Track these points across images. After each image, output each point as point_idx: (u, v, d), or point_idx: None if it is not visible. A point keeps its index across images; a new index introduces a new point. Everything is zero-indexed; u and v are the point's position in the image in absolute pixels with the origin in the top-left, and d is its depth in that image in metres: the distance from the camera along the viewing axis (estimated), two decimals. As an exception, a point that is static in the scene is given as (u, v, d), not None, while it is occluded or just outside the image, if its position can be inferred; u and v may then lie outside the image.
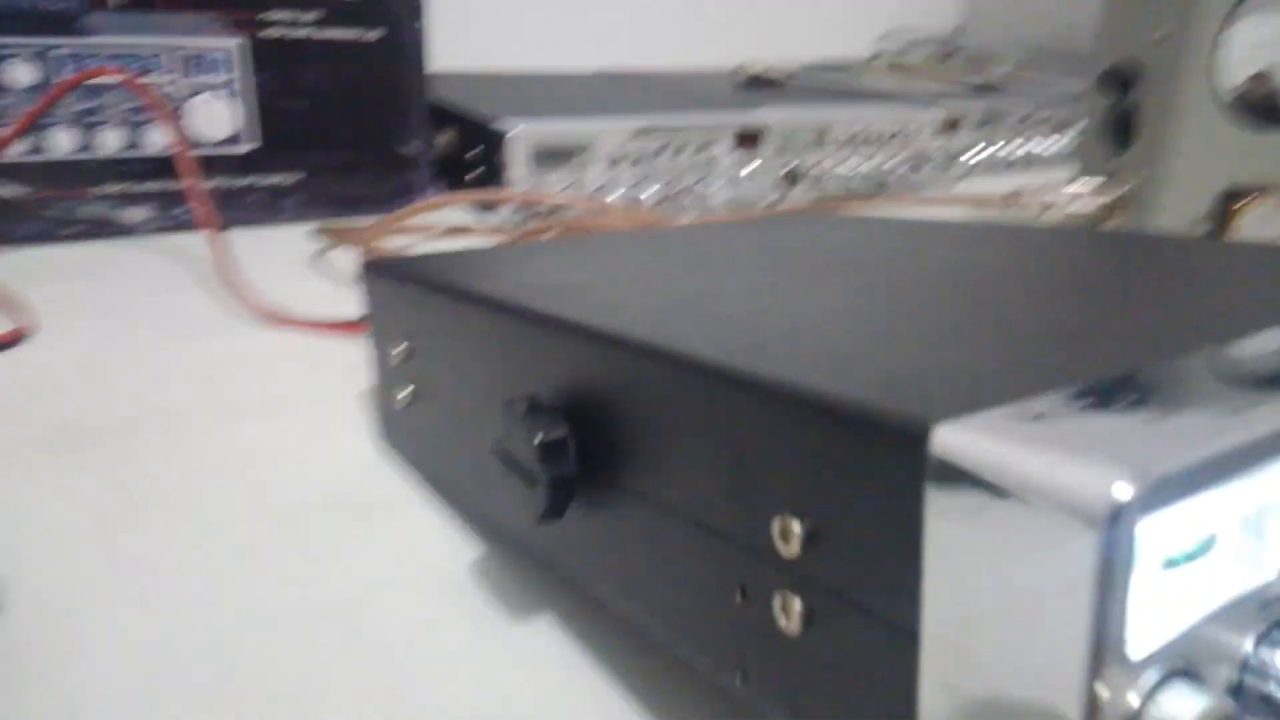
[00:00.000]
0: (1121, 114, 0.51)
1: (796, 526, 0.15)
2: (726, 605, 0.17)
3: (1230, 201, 0.50)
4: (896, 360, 0.16)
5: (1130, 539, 0.11)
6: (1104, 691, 0.12)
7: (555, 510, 0.21)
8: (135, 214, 0.54)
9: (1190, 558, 0.13)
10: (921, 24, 1.18)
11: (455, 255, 0.32)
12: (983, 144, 0.84)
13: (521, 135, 0.59)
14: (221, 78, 0.55)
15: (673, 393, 0.18)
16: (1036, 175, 0.82)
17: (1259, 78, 0.49)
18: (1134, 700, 0.12)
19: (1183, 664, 0.13)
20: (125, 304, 0.45)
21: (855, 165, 0.75)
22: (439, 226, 0.56)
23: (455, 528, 0.28)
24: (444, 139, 0.65)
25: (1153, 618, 0.12)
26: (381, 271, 0.30)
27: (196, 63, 0.54)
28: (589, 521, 0.21)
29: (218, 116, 0.55)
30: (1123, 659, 0.12)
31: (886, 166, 0.77)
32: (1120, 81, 0.51)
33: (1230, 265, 0.24)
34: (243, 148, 0.56)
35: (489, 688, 0.21)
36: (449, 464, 0.28)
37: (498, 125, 0.59)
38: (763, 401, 0.16)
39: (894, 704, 0.14)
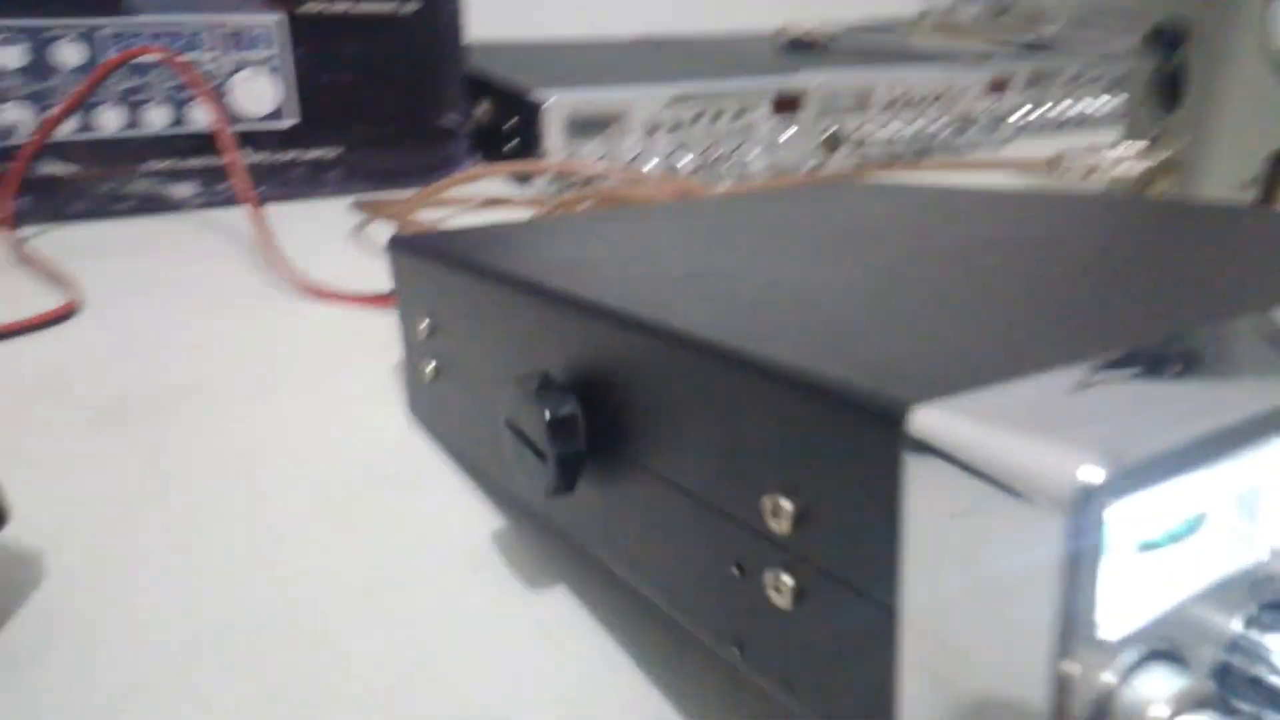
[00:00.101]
0: (1168, 74, 0.49)
1: (787, 505, 0.15)
2: (724, 580, 0.17)
3: (1281, 164, 0.48)
4: (891, 338, 0.16)
5: (1099, 523, 0.11)
6: (1073, 671, 0.12)
7: (564, 485, 0.21)
8: (182, 190, 0.55)
9: (1173, 539, 0.13)
10: (972, -20, 1.15)
11: (477, 231, 0.32)
12: (1031, 105, 0.82)
13: (556, 105, 0.59)
14: (262, 54, 0.56)
15: (673, 370, 0.18)
16: (1085, 138, 0.80)
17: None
18: (1109, 680, 0.12)
19: (1166, 645, 0.13)
20: (170, 278, 0.46)
21: (898, 129, 0.74)
22: (476, 199, 0.56)
23: (478, 500, 0.28)
24: (481, 110, 0.66)
25: (1131, 599, 0.12)
26: (405, 247, 0.31)
27: (238, 39, 0.55)
28: (599, 495, 0.21)
29: (259, 92, 0.56)
30: (1094, 640, 0.12)
31: (931, 130, 0.75)
32: (1167, 40, 0.49)
33: (1272, 235, 0.23)
34: (284, 123, 0.57)
35: (503, 653, 0.22)
36: (470, 438, 0.29)
37: (532, 95, 0.59)
38: (752, 380, 0.16)
39: (877, 682, 0.14)
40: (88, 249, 0.49)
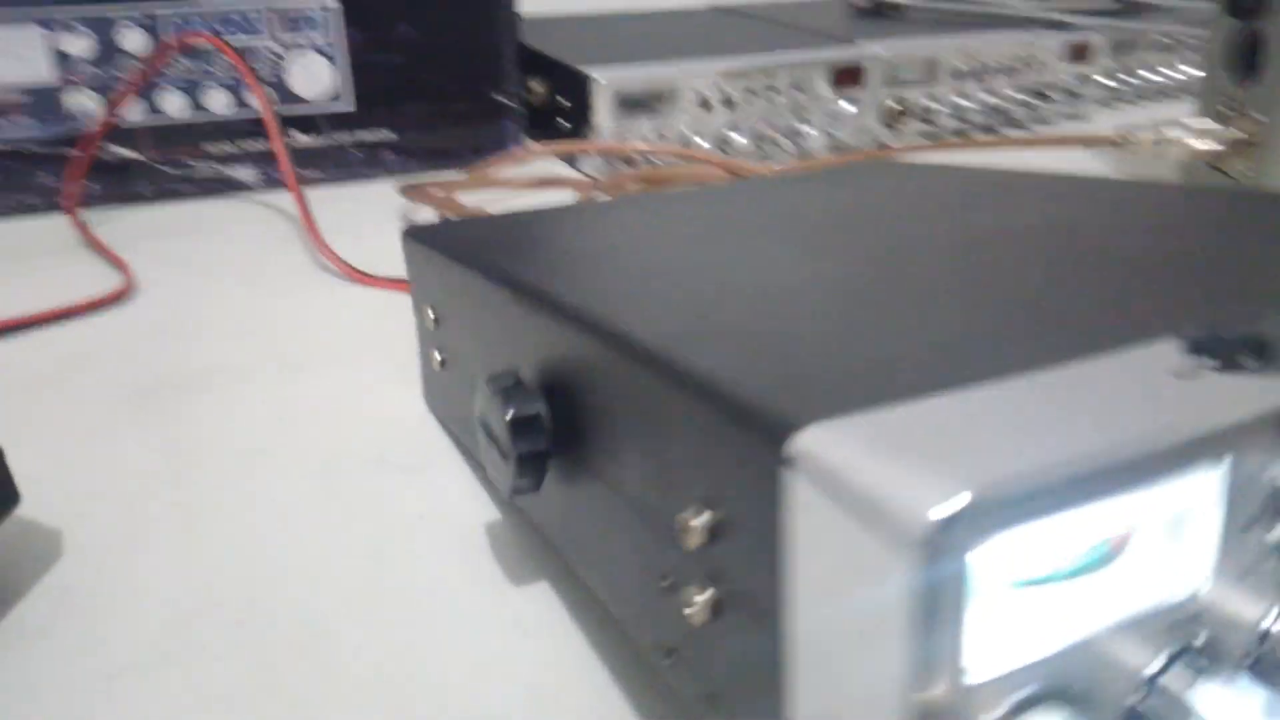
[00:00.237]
0: (1246, 43, 0.46)
1: (701, 519, 0.15)
2: (657, 590, 0.17)
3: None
4: (827, 346, 0.16)
5: (958, 560, 0.11)
6: (930, 711, 0.11)
7: (525, 485, 0.21)
8: (242, 172, 0.57)
9: (1072, 574, 0.12)
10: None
11: (488, 221, 0.32)
12: (1114, 73, 0.78)
13: (605, 82, 0.59)
14: (320, 36, 0.57)
15: (615, 374, 0.18)
16: (1172, 110, 0.76)
17: None
18: (986, 721, 0.12)
19: (1063, 685, 0.13)
20: (222, 261, 0.48)
21: (970, 100, 0.71)
22: (526, 180, 0.56)
23: (476, 490, 0.29)
24: (535, 88, 0.66)
25: (1015, 637, 0.12)
26: (415, 237, 0.31)
27: (295, 23, 0.56)
28: (562, 494, 0.22)
29: (316, 76, 0.57)
30: (958, 680, 0.11)
31: (1004, 101, 0.72)
32: (1247, 5, 0.46)
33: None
34: (341, 105, 0.59)
35: (475, 642, 0.22)
36: (466, 429, 0.29)
37: (582, 72, 0.59)
38: (671, 389, 0.16)
39: (774, 708, 0.14)
40: (148, 231, 0.51)
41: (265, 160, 0.57)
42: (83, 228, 0.50)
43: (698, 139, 0.62)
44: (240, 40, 0.55)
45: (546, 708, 0.20)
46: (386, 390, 0.35)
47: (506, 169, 0.57)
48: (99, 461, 0.30)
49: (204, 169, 0.56)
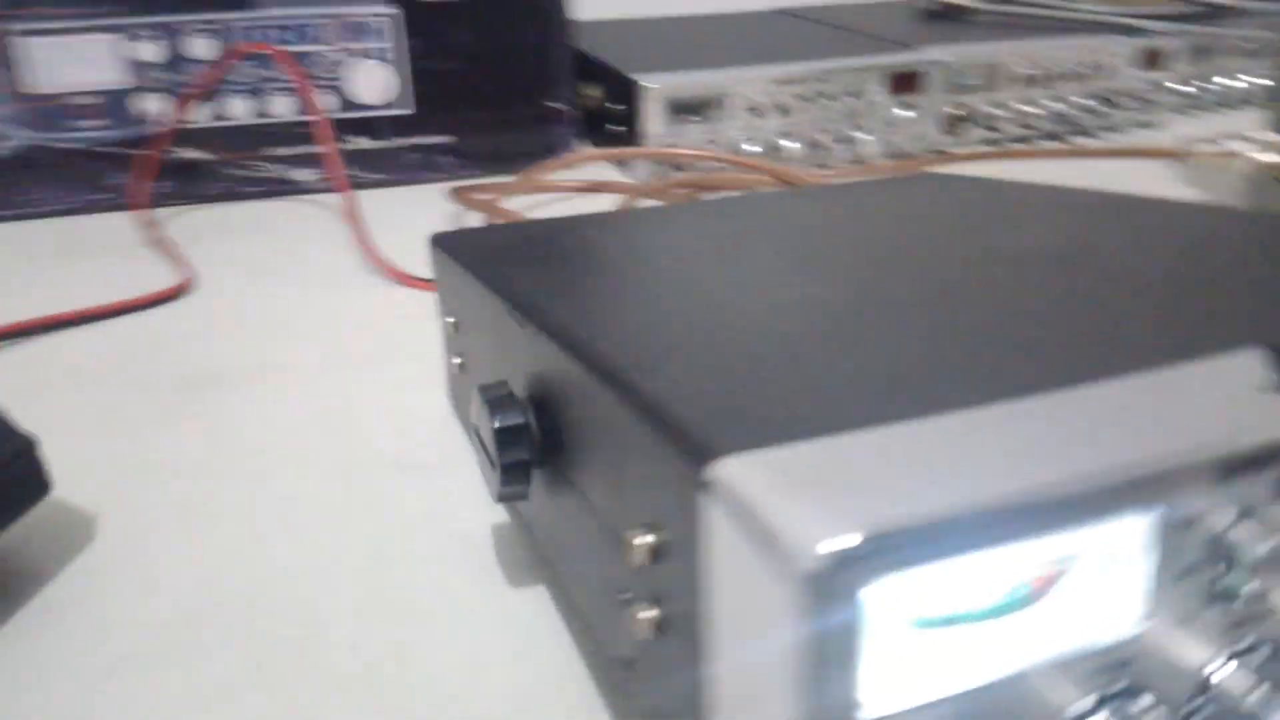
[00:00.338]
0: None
1: (645, 539, 0.16)
2: (616, 602, 0.18)
3: None
4: (772, 375, 0.16)
5: (850, 598, 0.11)
6: (821, 747, 0.11)
7: (510, 492, 0.22)
8: (303, 174, 0.59)
9: (985, 615, 0.12)
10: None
11: (510, 229, 0.33)
12: (1190, 79, 0.75)
13: (654, 88, 0.59)
14: (379, 44, 0.58)
15: (585, 392, 0.18)
16: (1252, 117, 0.73)
17: None
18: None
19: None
20: (276, 261, 0.49)
21: (1035, 106, 0.69)
22: (573, 183, 0.57)
23: (486, 494, 0.29)
24: (589, 93, 0.66)
25: (910, 676, 0.12)
26: (439, 244, 0.32)
27: (356, 31, 0.58)
28: (547, 502, 0.22)
29: (376, 81, 0.59)
30: (850, 716, 0.12)
31: (1071, 107, 0.70)
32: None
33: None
34: (399, 110, 0.60)
35: (468, 640, 0.23)
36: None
37: (633, 78, 0.60)
38: (621, 410, 0.16)
39: (700, 726, 0.14)
40: (211, 230, 0.54)
41: (323, 162, 0.59)
42: (148, 225, 0.52)
43: (749, 145, 0.62)
44: (302, 46, 0.57)
45: (535, 711, 0.21)
46: (414, 390, 0.36)
47: (555, 173, 0.58)
48: (136, 452, 0.32)
49: (267, 170, 0.59)
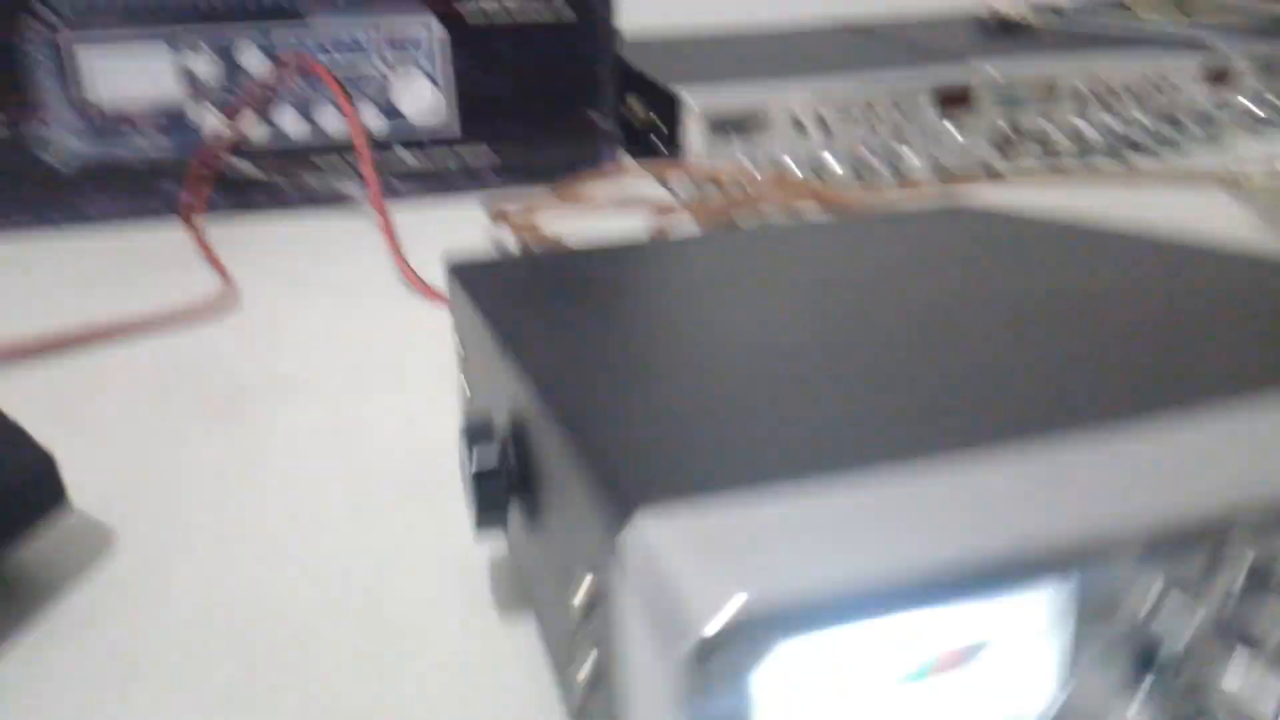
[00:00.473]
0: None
1: (585, 582, 0.16)
2: (569, 640, 0.18)
3: None
4: (717, 425, 0.16)
5: (736, 667, 0.11)
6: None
7: (485, 523, 0.22)
8: (349, 186, 0.61)
9: (880, 686, 0.12)
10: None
11: (522, 260, 0.33)
12: (1262, 96, 0.72)
13: (695, 103, 0.59)
14: (425, 58, 0.60)
15: (543, 433, 0.18)
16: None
17: None
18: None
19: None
20: (316, 273, 0.51)
21: (1093, 124, 0.68)
22: (610, 198, 0.57)
23: (487, 514, 0.30)
24: (634, 107, 0.67)
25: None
26: (452, 270, 0.33)
27: (403, 45, 0.59)
28: (522, 535, 0.22)
29: (422, 95, 0.60)
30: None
31: (1131, 126, 0.68)
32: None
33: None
34: (445, 123, 0.61)
35: (456, 668, 0.23)
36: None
37: (674, 92, 0.60)
38: (566, 455, 0.16)
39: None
40: (258, 241, 0.55)
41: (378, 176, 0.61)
42: (197, 236, 0.54)
43: (791, 163, 0.61)
44: (349, 61, 0.58)
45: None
46: (433, 412, 0.36)
47: (596, 187, 0.58)
48: (160, 467, 0.33)
49: (316, 183, 0.60)
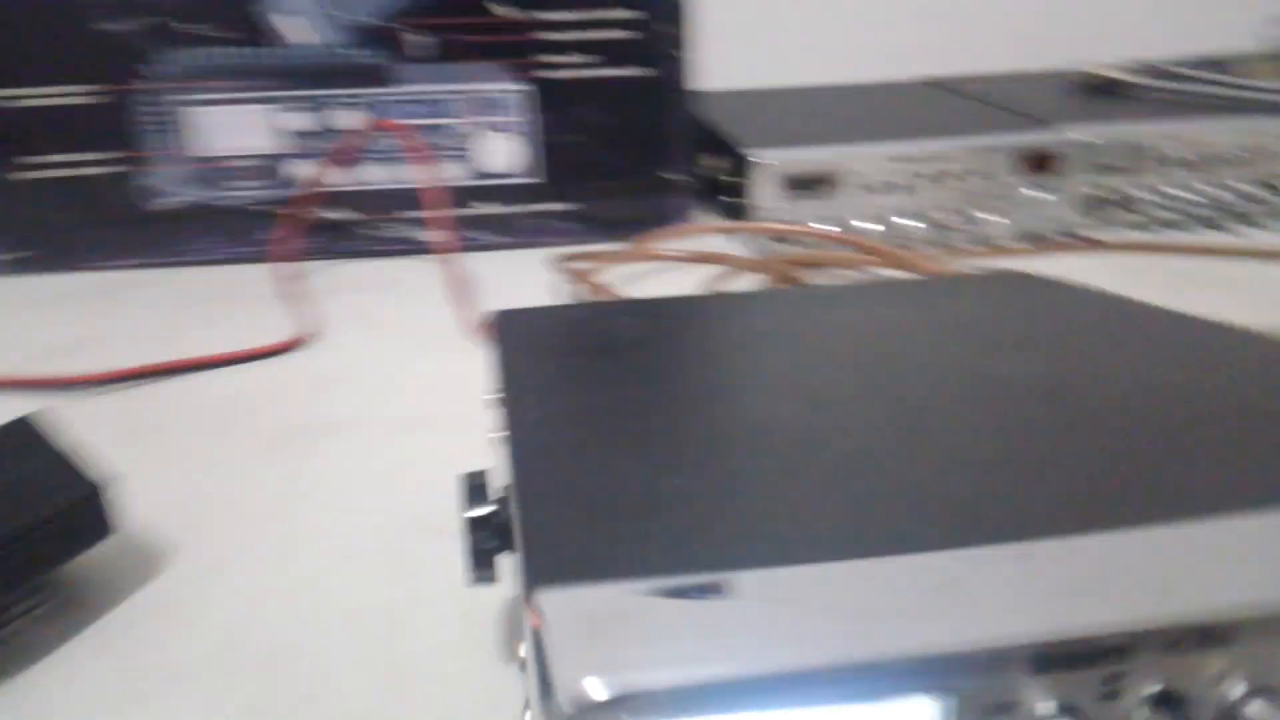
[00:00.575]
0: None
1: (522, 644, 0.16)
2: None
3: None
4: (651, 508, 0.16)
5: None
6: None
7: (480, 576, 0.23)
8: (426, 236, 0.63)
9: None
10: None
11: (569, 311, 0.34)
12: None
13: (765, 162, 0.60)
14: (508, 117, 0.62)
15: (513, 497, 0.19)
16: None
17: None
18: None
19: None
20: (391, 318, 0.53)
21: (1188, 190, 0.65)
22: (678, 253, 0.58)
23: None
24: (710, 164, 0.68)
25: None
26: (497, 317, 0.34)
27: (485, 104, 0.61)
28: (514, 588, 0.23)
29: (502, 151, 0.63)
30: None
31: (1228, 192, 0.65)
32: None
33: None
34: (524, 178, 0.63)
35: (471, 708, 0.24)
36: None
37: (747, 151, 0.60)
38: (516, 519, 0.17)
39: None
40: (339, 285, 0.58)
41: (452, 225, 0.63)
42: (286, 278, 0.57)
43: (865, 224, 0.61)
44: (435, 118, 0.61)
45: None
46: (474, 457, 0.37)
47: (665, 243, 0.59)
48: (214, 497, 0.35)
49: (398, 231, 0.63)
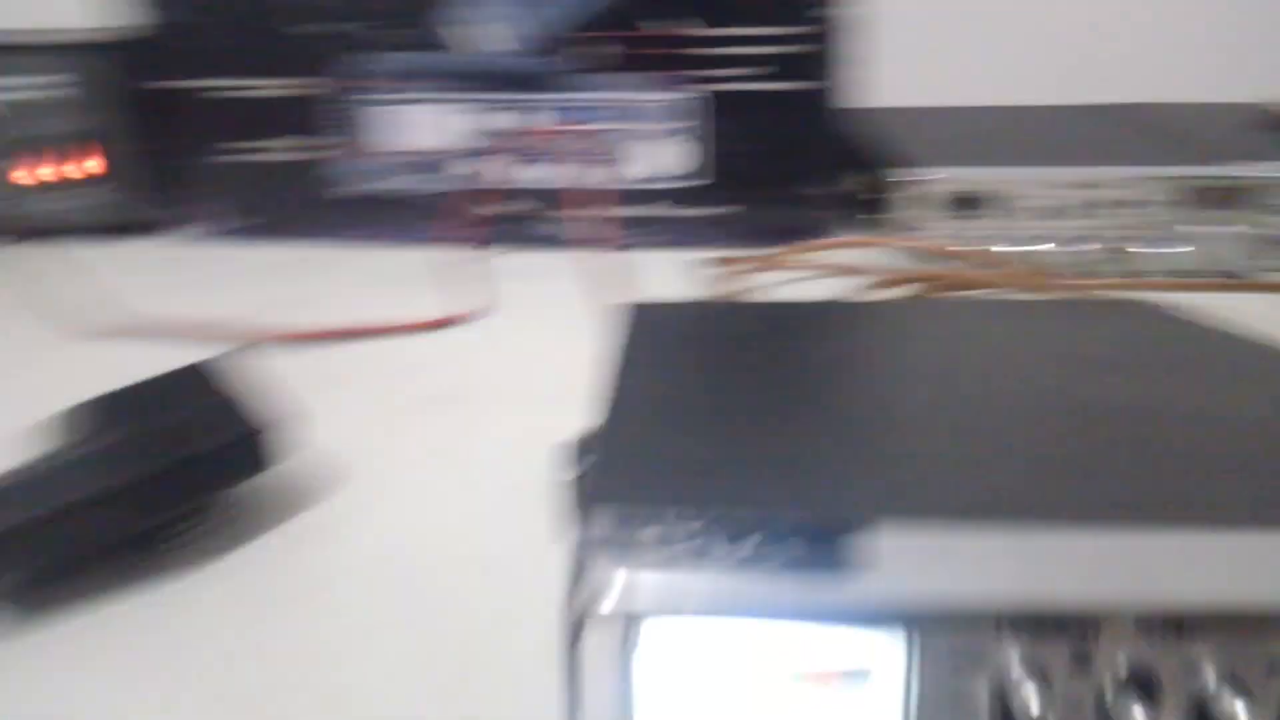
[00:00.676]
0: None
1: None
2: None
3: None
4: (698, 462, 0.19)
5: (627, 634, 0.14)
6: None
7: (559, 526, 0.26)
8: (587, 231, 0.67)
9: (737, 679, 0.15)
10: None
11: (699, 306, 0.37)
12: None
13: (927, 179, 0.60)
14: (673, 123, 0.65)
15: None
16: None
17: None
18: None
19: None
20: (545, 305, 0.57)
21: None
22: (816, 264, 0.60)
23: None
24: (863, 179, 0.69)
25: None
26: (628, 308, 0.37)
27: (651, 112, 0.65)
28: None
29: (666, 156, 0.66)
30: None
31: None
32: None
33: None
34: (684, 183, 0.67)
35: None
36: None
37: (902, 167, 0.61)
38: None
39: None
40: (505, 272, 0.63)
41: (626, 223, 0.67)
42: (455, 263, 0.63)
43: (1014, 246, 0.61)
44: (603, 122, 0.65)
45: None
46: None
47: (812, 252, 0.61)
48: (371, 446, 0.40)
49: (562, 227, 0.67)
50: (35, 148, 0.67)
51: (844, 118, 0.66)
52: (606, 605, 0.14)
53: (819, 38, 0.65)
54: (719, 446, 0.19)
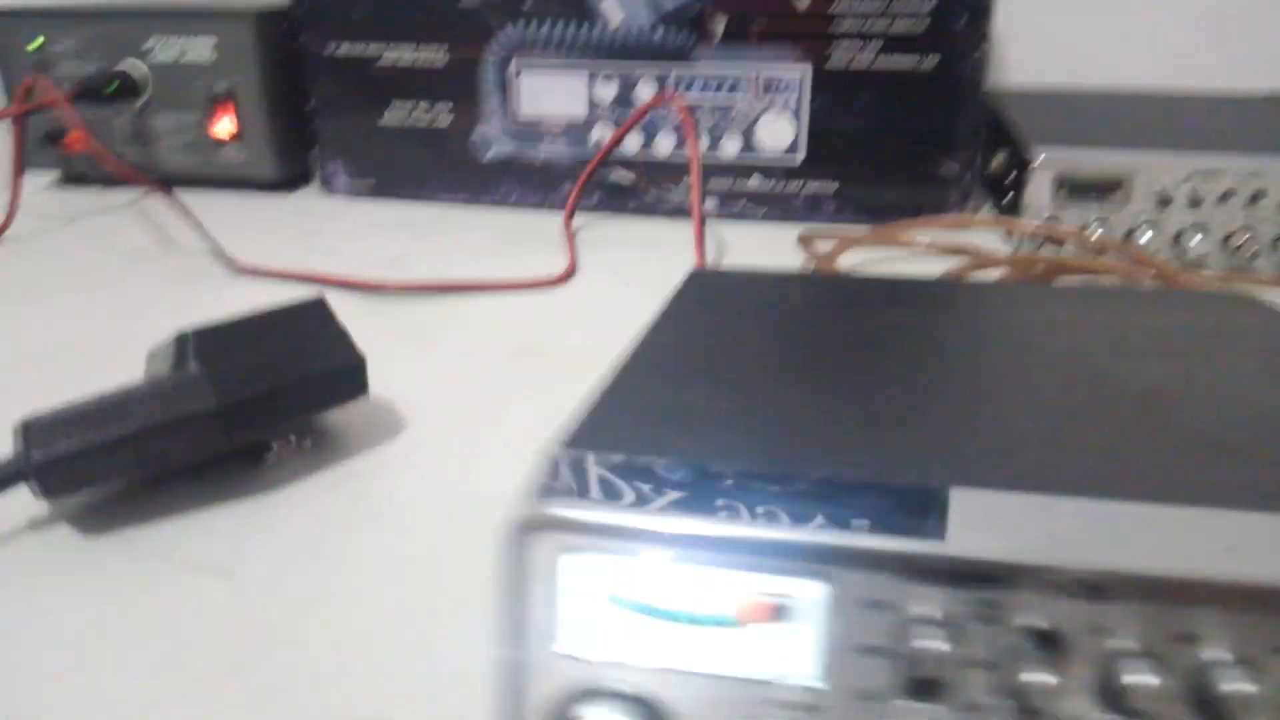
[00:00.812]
0: None
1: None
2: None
3: None
4: (678, 422, 0.20)
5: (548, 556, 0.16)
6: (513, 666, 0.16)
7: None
8: (705, 204, 0.68)
9: (668, 616, 0.16)
10: None
11: (761, 277, 0.38)
12: None
13: (1044, 162, 0.58)
14: (791, 98, 0.65)
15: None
16: None
17: None
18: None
19: (646, 697, 0.16)
20: (643, 270, 0.59)
21: None
22: (934, 244, 0.59)
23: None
24: (988, 160, 0.67)
25: (602, 637, 0.16)
26: (690, 275, 0.38)
27: (769, 85, 0.65)
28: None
29: (782, 130, 0.66)
30: (544, 647, 0.16)
31: None
32: None
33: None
34: (796, 157, 0.67)
35: None
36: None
37: (1027, 149, 0.59)
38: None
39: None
40: (611, 237, 0.65)
41: (723, 196, 0.68)
42: (567, 226, 0.65)
43: (1140, 235, 0.58)
44: (724, 96, 0.66)
45: None
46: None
47: (921, 230, 0.60)
48: (458, 388, 0.43)
49: (676, 196, 0.69)
50: (188, 105, 0.73)
51: (969, 96, 0.64)
52: (537, 541, 0.15)
53: (948, 15, 0.63)
54: (707, 403, 0.21)
